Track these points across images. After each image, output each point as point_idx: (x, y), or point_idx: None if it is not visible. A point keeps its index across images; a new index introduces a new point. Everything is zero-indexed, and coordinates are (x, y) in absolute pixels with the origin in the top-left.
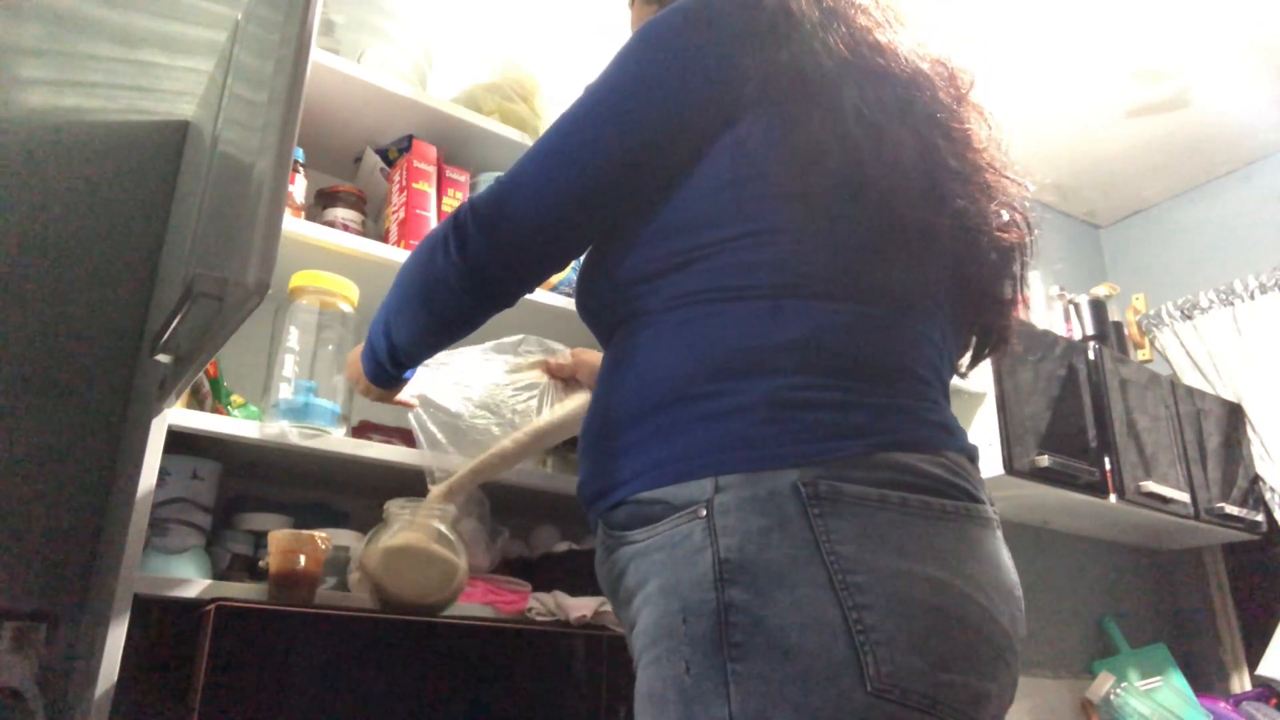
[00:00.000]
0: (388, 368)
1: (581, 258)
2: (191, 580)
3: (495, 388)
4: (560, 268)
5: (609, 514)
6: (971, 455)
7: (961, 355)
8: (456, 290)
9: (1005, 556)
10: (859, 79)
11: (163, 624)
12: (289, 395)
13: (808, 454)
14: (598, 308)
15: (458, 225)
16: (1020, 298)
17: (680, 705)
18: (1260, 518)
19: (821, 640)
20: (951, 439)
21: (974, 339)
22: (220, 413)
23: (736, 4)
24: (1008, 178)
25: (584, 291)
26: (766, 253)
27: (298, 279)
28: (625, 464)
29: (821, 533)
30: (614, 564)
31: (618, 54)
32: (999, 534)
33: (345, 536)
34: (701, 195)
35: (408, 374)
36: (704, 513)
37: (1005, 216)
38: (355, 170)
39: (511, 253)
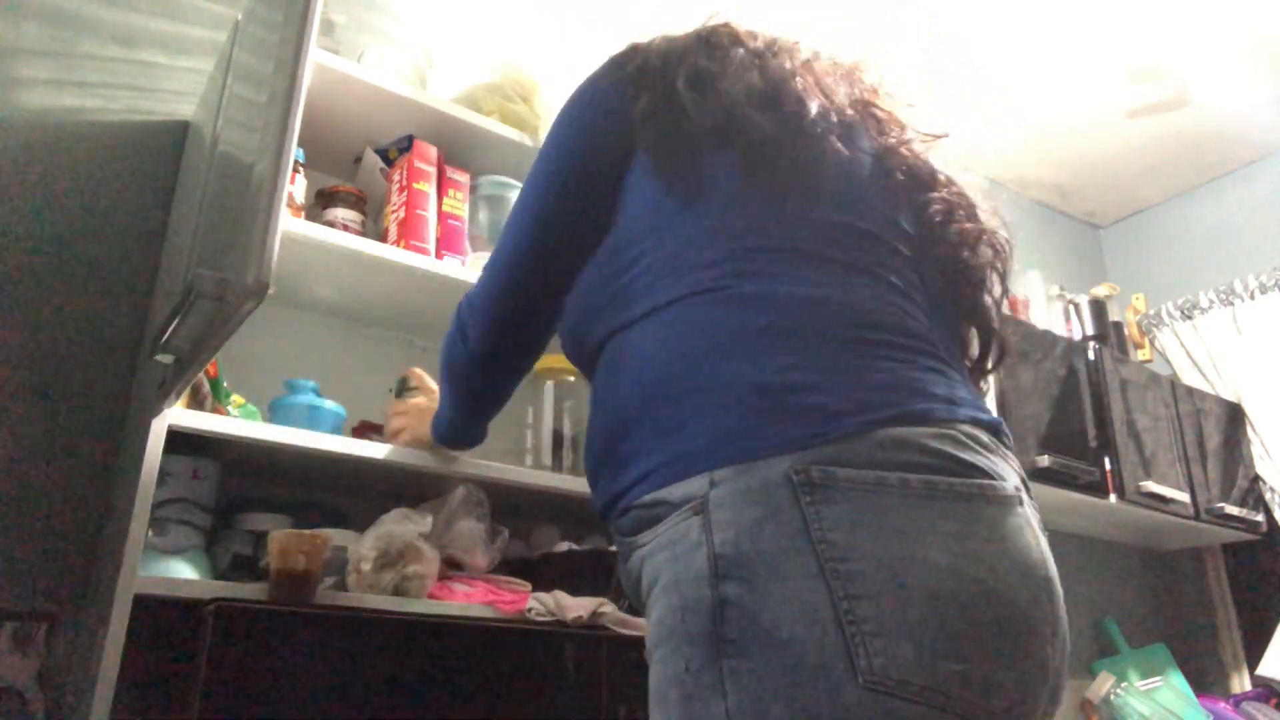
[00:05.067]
0: (456, 439)
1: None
2: (191, 580)
3: None
4: (535, 326)
5: (618, 521)
6: (992, 428)
7: (963, 346)
8: (473, 372)
9: (1029, 536)
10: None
11: (163, 624)
12: (289, 395)
13: (799, 439)
14: (575, 352)
15: (459, 314)
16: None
17: (681, 703)
18: (1260, 518)
19: (812, 633)
20: (959, 409)
21: (975, 343)
22: (220, 413)
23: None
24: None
25: (565, 340)
26: (720, 243)
27: None
28: (627, 472)
29: (813, 520)
30: (630, 570)
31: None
32: (1022, 511)
33: (345, 536)
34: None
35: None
36: (700, 508)
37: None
38: (355, 170)
39: (491, 324)
